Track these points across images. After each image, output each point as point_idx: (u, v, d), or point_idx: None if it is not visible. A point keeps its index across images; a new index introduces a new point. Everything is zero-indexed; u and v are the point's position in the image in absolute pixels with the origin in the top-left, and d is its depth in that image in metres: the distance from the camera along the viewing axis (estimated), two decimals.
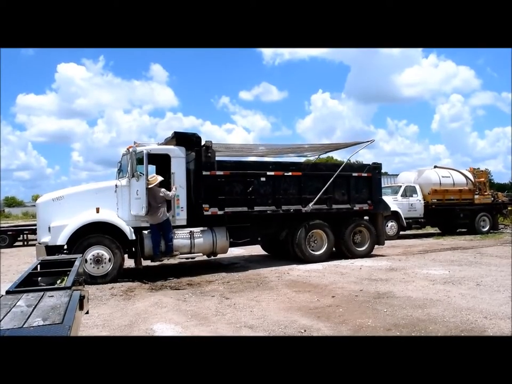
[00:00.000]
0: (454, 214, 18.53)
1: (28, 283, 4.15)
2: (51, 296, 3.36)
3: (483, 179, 20.23)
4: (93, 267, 9.01)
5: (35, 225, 11.15)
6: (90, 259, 8.99)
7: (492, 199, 19.90)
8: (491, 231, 19.18)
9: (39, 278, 4.67)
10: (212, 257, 10.92)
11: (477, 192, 19.27)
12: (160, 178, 9.68)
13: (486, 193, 19.76)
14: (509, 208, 21.06)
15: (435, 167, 19.58)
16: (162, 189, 9.57)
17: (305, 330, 5.45)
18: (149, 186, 9.40)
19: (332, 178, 11.53)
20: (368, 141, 12.72)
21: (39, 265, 5.00)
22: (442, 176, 18.76)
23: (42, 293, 3.50)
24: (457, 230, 19.29)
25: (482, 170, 21.15)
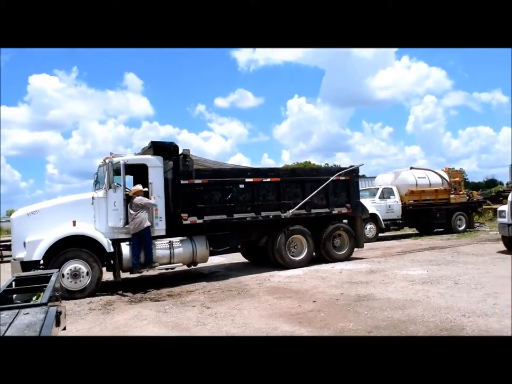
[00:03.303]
0: (431, 214, 18.77)
1: (2, 301, 4.05)
2: (26, 314, 3.29)
3: (458, 178, 20.60)
4: (70, 282, 8.85)
5: (10, 241, 10.91)
6: (68, 274, 8.83)
7: (467, 198, 20.25)
8: (467, 229, 19.49)
9: (14, 295, 4.57)
10: (192, 267, 10.83)
11: (452, 192, 19.58)
12: (140, 187, 9.60)
13: (461, 193, 20.12)
14: (484, 206, 21.46)
15: (411, 168, 19.84)
16: (139, 197, 9.46)
17: None
18: (132, 196, 9.42)
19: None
20: (356, 166, 12.83)
21: (14, 282, 4.89)
22: (419, 177, 19.01)
23: (17, 310, 3.42)
24: (435, 230, 19.58)
25: (457, 170, 21.55)
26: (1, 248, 18.68)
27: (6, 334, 2.76)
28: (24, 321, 3.07)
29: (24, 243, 8.79)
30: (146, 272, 10.32)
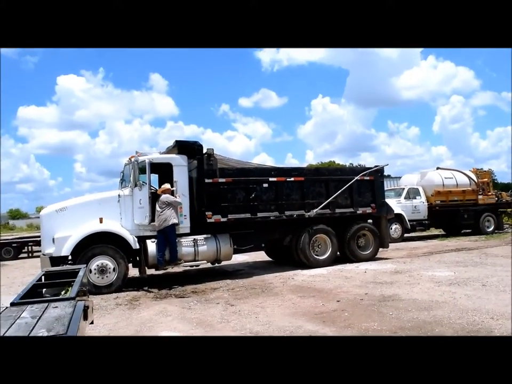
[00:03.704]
0: (458, 215, 18.45)
1: (32, 294, 4.16)
2: (55, 307, 3.37)
3: (486, 179, 20.16)
4: (97, 277, 9.03)
5: (39, 236, 11.19)
6: (95, 269, 9.01)
7: (496, 199, 19.82)
8: (496, 231, 19.08)
9: (44, 289, 4.69)
10: (216, 265, 10.91)
11: (480, 193, 19.19)
12: (168, 185, 9.74)
13: (489, 193, 19.69)
14: (510, 210, 20.85)
15: (438, 168, 19.54)
16: (166, 195, 9.58)
17: (310, 336, 5.43)
18: (158, 193, 9.64)
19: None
20: (381, 166, 12.72)
21: (43, 277, 5.02)
22: (445, 178, 18.71)
23: (46, 304, 3.51)
24: (462, 231, 19.23)
25: (485, 171, 21.10)
26: (31, 244, 19.19)
27: (36, 327, 2.83)
28: (53, 315, 3.15)
29: (53, 239, 9.02)
30: (171, 269, 10.44)
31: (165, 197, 9.52)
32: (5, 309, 3.38)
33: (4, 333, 2.71)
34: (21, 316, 3.17)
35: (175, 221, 9.54)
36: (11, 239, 20.97)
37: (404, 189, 18.63)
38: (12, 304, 3.58)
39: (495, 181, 43.78)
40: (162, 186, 9.88)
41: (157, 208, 9.45)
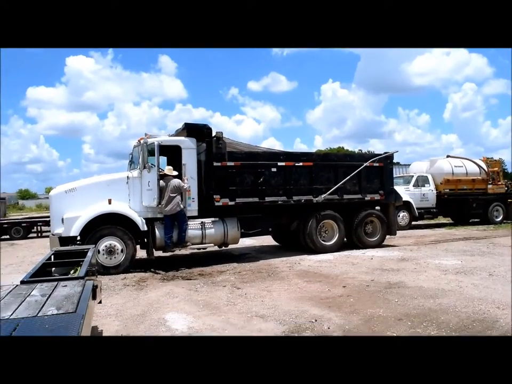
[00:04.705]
0: (466, 204, 18.35)
1: (42, 273, 4.22)
2: (65, 286, 3.42)
3: (497, 168, 19.99)
4: (106, 258, 9.12)
5: (48, 217, 11.28)
6: (103, 250, 9.09)
7: (506, 188, 19.67)
8: (504, 221, 18.97)
9: (53, 268, 4.76)
10: (223, 248, 10.96)
11: (490, 182, 19.06)
12: (171, 169, 9.76)
13: (499, 183, 19.55)
14: None
15: (447, 156, 19.38)
16: (178, 180, 9.61)
17: (316, 320, 5.47)
18: (166, 175, 9.56)
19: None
20: (391, 152, 12.63)
21: (52, 256, 5.09)
22: (455, 166, 18.56)
23: (56, 282, 3.56)
24: (470, 220, 19.11)
25: (495, 160, 20.91)
26: (40, 224, 19.38)
27: (46, 305, 2.87)
28: (63, 293, 3.19)
29: (62, 219, 9.09)
30: (178, 251, 10.51)
31: (177, 182, 9.56)
32: (15, 287, 3.43)
33: (15, 310, 2.75)
34: (31, 293, 3.22)
35: (182, 206, 9.63)
36: (20, 219, 21.20)
37: (412, 176, 18.53)
38: (22, 282, 3.64)
39: (505, 171, 43.42)
40: (167, 168, 9.88)
41: (170, 193, 9.48)
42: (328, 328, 5.19)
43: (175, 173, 9.76)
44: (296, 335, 4.98)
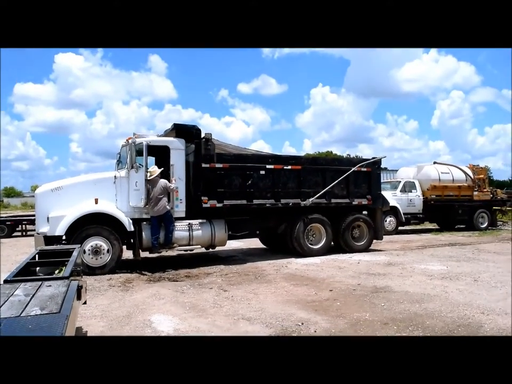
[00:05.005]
0: (452, 210, 18.55)
1: (26, 273, 4.15)
2: (49, 286, 3.36)
3: (482, 176, 20.21)
4: (91, 258, 9.01)
5: (34, 215, 11.14)
6: (89, 250, 8.99)
7: (491, 196, 19.90)
8: (489, 227, 19.20)
9: (37, 268, 4.68)
10: (210, 250, 10.92)
11: (476, 189, 19.28)
12: (158, 170, 9.68)
13: (485, 190, 19.76)
14: (504, 208, 20.83)
15: (434, 163, 19.56)
16: (165, 181, 9.56)
17: (302, 323, 5.46)
18: (150, 178, 9.43)
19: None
20: (379, 158, 12.74)
21: (37, 255, 5.01)
22: (442, 172, 18.75)
23: (40, 282, 3.50)
24: (456, 226, 19.30)
25: (481, 167, 21.12)
26: (25, 222, 19.12)
27: (29, 305, 2.82)
28: (47, 293, 3.14)
29: (48, 218, 8.97)
30: (165, 253, 10.43)
31: (164, 183, 9.50)
32: None
33: None
34: (15, 293, 3.16)
35: (169, 207, 9.58)
36: (5, 217, 20.90)
37: (400, 182, 18.67)
38: (5, 281, 3.57)
39: (491, 178, 43.94)
40: (151, 168, 9.75)
41: (157, 195, 9.42)
42: (315, 331, 5.18)
43: (159, 170, 9.65)
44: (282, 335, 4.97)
